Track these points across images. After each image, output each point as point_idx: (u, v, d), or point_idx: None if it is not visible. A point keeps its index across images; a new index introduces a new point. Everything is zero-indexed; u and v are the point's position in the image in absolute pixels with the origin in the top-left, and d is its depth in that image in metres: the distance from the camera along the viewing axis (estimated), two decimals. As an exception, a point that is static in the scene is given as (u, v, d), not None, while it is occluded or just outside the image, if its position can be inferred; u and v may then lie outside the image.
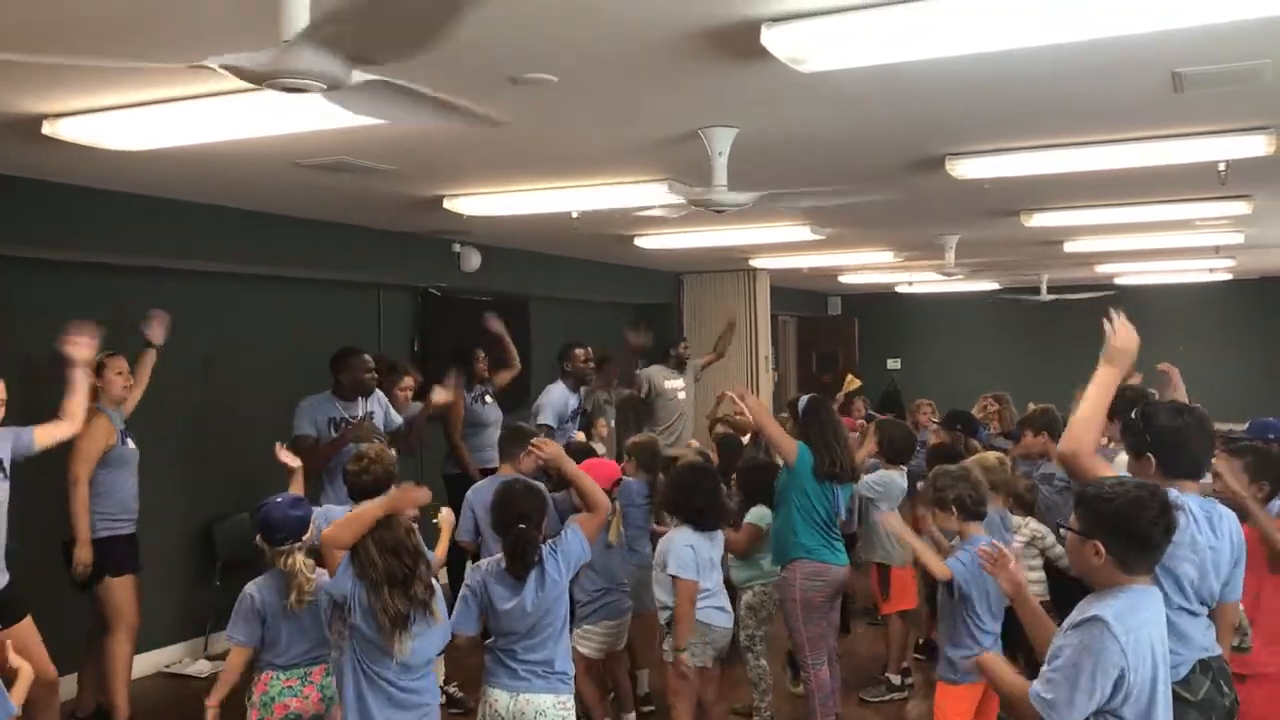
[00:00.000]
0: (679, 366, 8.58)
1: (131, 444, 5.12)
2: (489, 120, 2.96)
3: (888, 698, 5.71)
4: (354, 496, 4.17)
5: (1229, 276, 12.18)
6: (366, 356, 5.91)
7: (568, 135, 4.43)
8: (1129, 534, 2.51)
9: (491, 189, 5.74)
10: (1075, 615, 2.51)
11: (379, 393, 6.05)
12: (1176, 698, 2.84)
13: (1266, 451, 3.90)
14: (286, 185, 5.35)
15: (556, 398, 6.98)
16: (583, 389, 7.29)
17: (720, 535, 4.65)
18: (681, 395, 8.53)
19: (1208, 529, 3.01)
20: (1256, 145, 4.60)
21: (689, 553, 4.37)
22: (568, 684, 3.64)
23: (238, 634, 3.67)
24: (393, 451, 4.74)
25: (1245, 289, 12.80)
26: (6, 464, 4.26)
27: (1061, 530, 2.66)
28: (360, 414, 5.85)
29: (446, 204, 5.90)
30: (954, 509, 4.00)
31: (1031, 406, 5.93)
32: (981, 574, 3.62)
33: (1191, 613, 2.96)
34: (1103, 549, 2.50)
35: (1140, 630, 2.44)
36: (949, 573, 3.90)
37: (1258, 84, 3.75)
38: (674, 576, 4.34)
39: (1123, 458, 5.19)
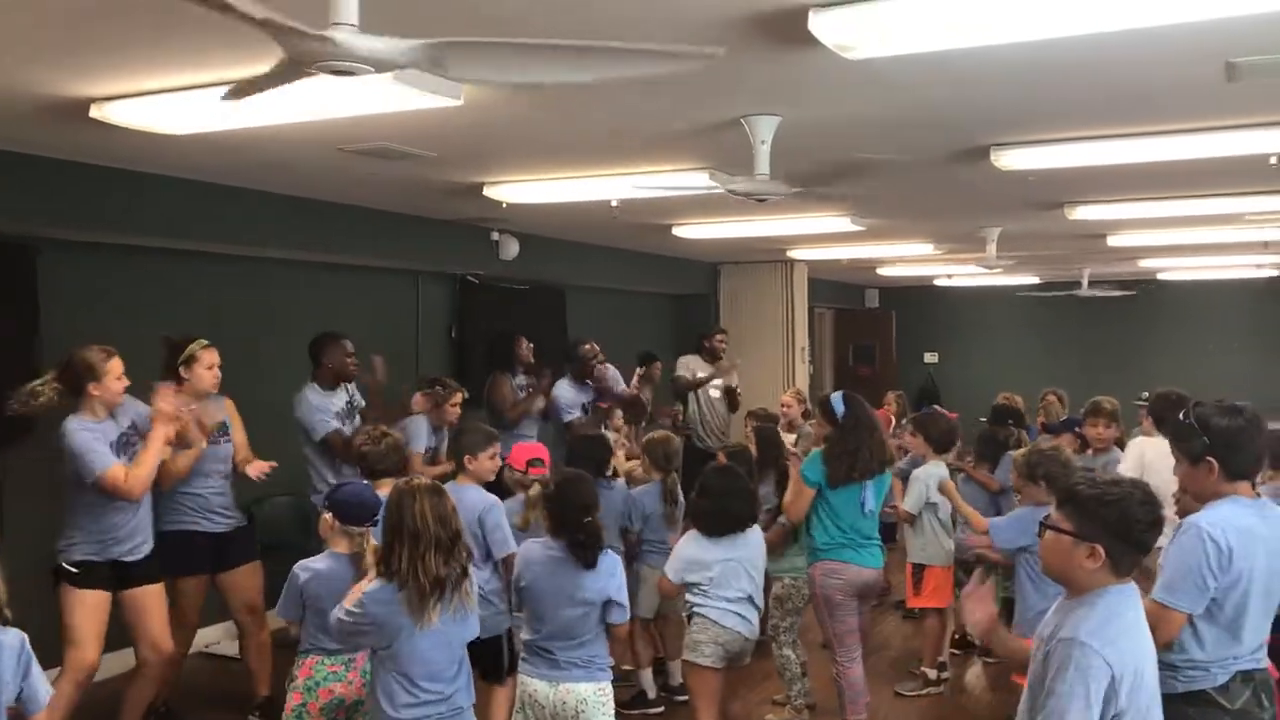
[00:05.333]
0: (712, 359, 8.49)
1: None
2: (700, 55, 2.59)
3: (924, 692, 5.68)
4: (372, 475, 4.19)
5: (1276, 273, 11.99)
6: (348, 341, 5.68)
7: (609, 122, 4.42)
8: (1130, 539, 2.41)
9: (531, 176, 5.75)
10: (1050, 626, 2.43)
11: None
12: (1210, 702, 2.84)
13: None
14: (329, 171, 5.39)
15: (565, 395, 7.05)
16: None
17: (751, 539, 4.47)
18: (715, 393, 8.45)
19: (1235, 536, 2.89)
20: (1310, 137, 4.52)
21: (684, 554, 4.36)
22: (607, 671, 3.66)
23: (287, 613, 3.70)
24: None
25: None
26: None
27: (1046, 531, 2.49)
28: (343, 403, 5.70)
29: (486, 191, 5.92)
30: (1043, 483, 4.30)
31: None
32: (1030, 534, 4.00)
33: (1214, 621, 2.89)
34: (1102, 553, 2.38)
35: (1121, 638, 2.36)
36: (985, 523, 4.59)
37: (1314, 74, 3.69)
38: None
39: (1120, 456, 5.18)
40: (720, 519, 4.36)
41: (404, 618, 3.06)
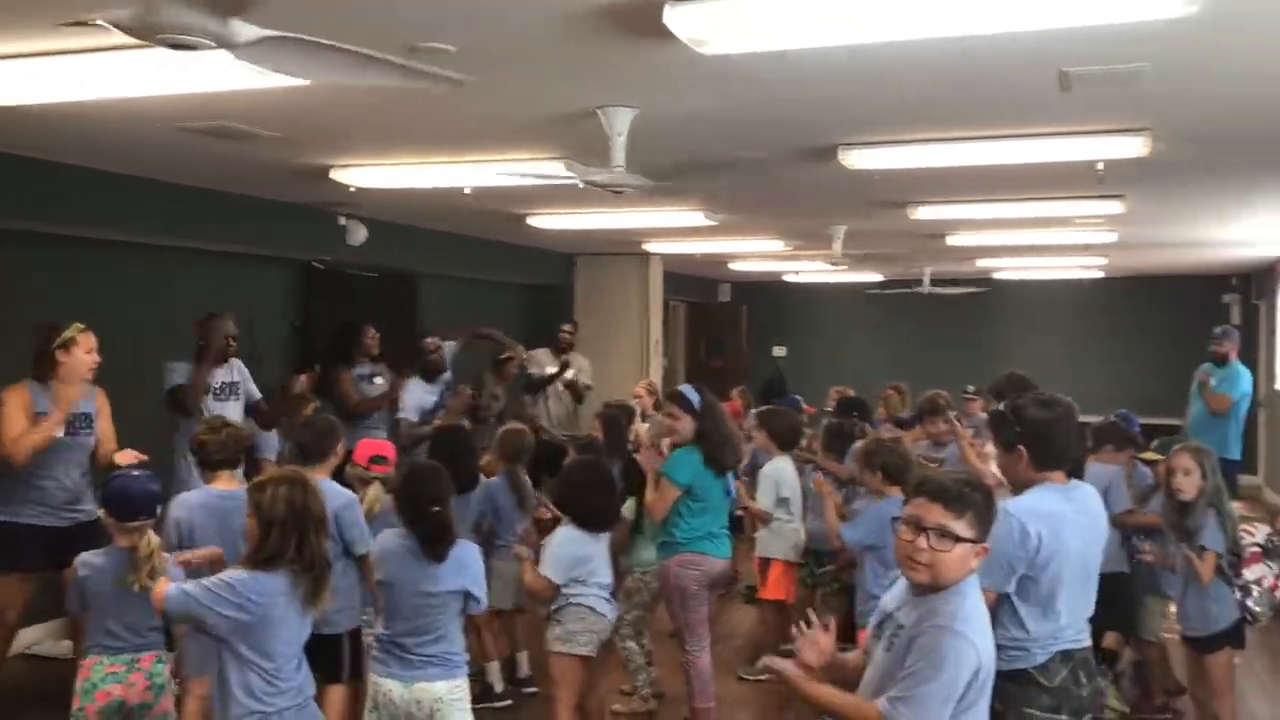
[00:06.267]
0: (558, 352, 8.48)
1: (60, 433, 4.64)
2: (450, 80, 2.78)
3: (764, 677, 5.78)
4: (209, 466, 4.07)
5: (1101, 274, 12.66)
6: (229, 321, 5.79)
7: (463, 108, 4.34)
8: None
9: (381, 161, 5.61)
10: (913, 615, 2.51)
11: (238, 362, 5.91)
12: (1030, 681, 2.99)
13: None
14: (167, 150, 5.14)
15: (412, 394, 7.01)
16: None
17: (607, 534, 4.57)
18: (562, 386, 8.46)
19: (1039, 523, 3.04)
20: (1134, 146, 4.76)
21: (566, 553, 4.32)
22: (462, 667, 3.64)
23: (72, 607, 3.62)
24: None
25: (1116, 287, 13.31)
26: None
27: (952, 542, 2.51)
28: (222, 382, 5.76)
29: (333, 174, 5.75)
30: (880, 473, 4.48)
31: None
32: (881, 532, 3.96)
33: (1030, 602, 3.03)
34: (981, 546, 2.52)
35: (983, 627, 2.51)
36: (837, 528, 4.70)
37: (1138, 86, 3.89)
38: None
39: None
40: (601, 513, 4.43)
41: (279, 608, 2.98)
